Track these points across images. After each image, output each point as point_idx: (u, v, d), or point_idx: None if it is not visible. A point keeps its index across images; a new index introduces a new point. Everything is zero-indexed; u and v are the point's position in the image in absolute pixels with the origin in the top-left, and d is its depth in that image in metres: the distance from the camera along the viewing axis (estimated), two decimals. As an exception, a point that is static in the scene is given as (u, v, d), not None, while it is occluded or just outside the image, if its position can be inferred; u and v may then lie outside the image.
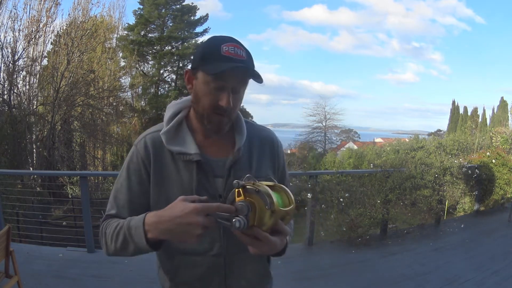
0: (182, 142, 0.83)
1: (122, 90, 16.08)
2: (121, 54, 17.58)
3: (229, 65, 0.74)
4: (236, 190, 0.69)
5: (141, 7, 18.59)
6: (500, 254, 3.57)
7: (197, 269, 0.86)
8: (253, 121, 0.98)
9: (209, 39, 0.81)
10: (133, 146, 0.87)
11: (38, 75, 12.36)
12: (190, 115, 0.88)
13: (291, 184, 0.81)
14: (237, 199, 0.69)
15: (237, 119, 0.88)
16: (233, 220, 0.66)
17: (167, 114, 0.87)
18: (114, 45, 16.91)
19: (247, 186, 0.69)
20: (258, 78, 0.78)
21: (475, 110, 23.96)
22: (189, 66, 0.85)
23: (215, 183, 0.84)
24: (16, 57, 11.03)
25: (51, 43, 12.65)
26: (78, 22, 12.30)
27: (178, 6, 18.87)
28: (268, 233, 0.69)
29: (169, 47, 19.09)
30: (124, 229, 0.75)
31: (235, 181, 0.68)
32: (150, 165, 0.83)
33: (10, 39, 11.00)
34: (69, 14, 12.73)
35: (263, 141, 0.92)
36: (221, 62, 0.74)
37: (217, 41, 0.77)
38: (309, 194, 3.75)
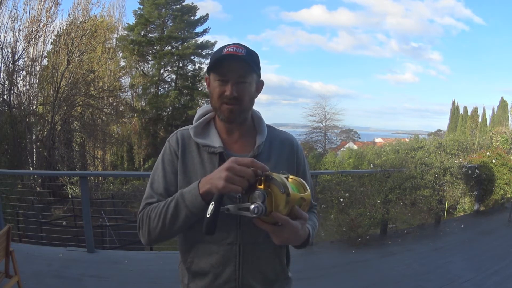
0: (208, 137, 0.93)
1: (122, 90, 16.11)
2: (121, 54, 17.63)
3: (222, 57, 0.85)
4: None
5: (141, 7, 18.62)
6: (500, 254, 3.57)
7: (212, 257, 0.89)
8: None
9: (217, 47, 0.93)
10: (166, 142, 0.96)
11: (38, 75, 12.37)
12: (216, 118, 0.97)
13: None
14: None
15: (258, 121, 0.98)
16: (252, 206, 0.69)
17: (196, 115, 0.99)
18: (114, 45, 16.94)
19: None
20: (252, 68, 0.88)
21: (475, 110, 23.87)
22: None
23: None
24: (16, 57, 11.05)
25: (51, 43, 12.69)
26: (78, 22, 12.33)
27: (178, 6, 18.87)
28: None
29: (169, 47, 19.10)
30: (176, 197, 0.82)
31: None
32: (179, 155, 0.92)
33: (10, 39, 11.04)
34: (69, 14, 12.80)
35: (283, 142, 0.99)
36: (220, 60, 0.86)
37: (222, 47, 0.89)
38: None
